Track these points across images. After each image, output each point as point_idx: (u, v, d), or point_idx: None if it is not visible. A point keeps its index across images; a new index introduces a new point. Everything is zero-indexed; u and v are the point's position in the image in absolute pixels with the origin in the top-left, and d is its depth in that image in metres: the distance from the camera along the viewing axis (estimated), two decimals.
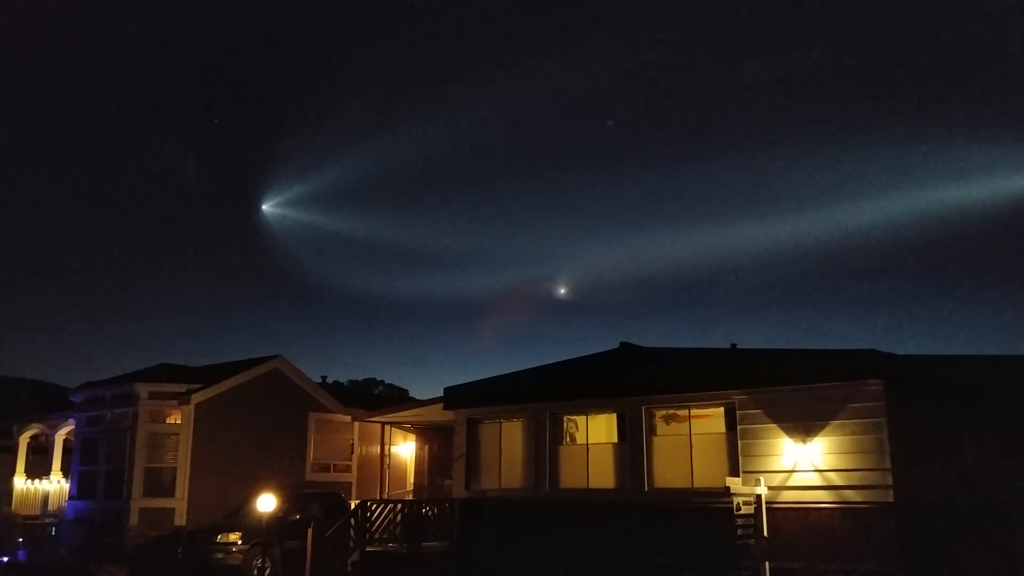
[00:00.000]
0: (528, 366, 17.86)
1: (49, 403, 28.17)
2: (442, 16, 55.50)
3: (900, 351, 14.72)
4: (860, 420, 13.34)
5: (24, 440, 27.51)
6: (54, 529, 23.57)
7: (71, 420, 24.42)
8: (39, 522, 24.78)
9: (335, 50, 61.83)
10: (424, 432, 24.17)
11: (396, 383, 47.69)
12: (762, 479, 13.56)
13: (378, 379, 47.15)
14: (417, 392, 44.20)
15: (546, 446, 16.54)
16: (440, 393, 18.54)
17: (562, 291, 56.49)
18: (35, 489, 26.35)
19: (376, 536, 16.71)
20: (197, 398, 21.73)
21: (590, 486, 15.90)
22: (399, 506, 17.28)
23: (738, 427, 14.41)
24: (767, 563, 13.12)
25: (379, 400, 33.53)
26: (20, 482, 26.90)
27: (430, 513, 17.24)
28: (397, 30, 56.26)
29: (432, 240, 56.56)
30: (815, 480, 13.60)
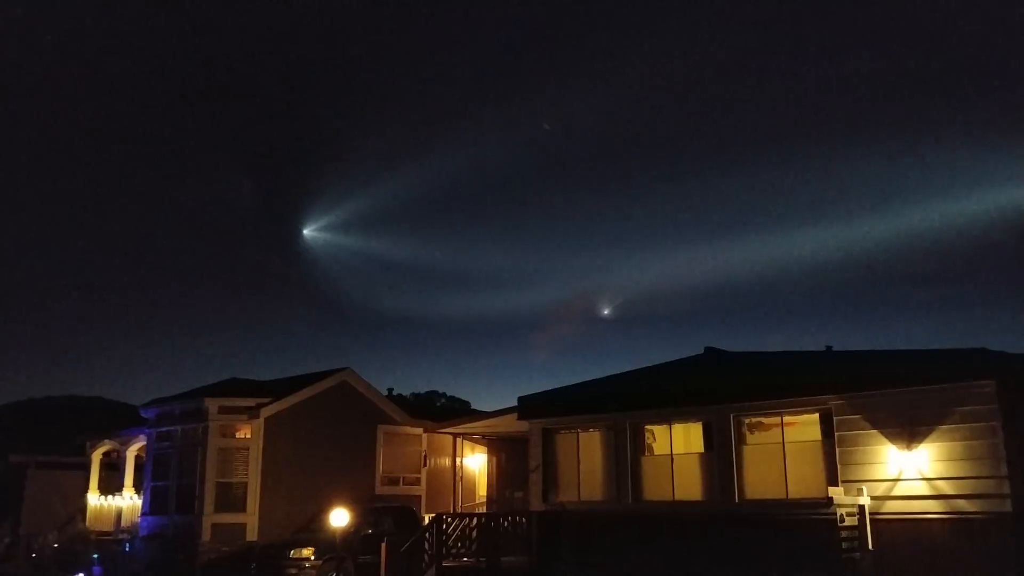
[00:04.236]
0: (584, 377, 17.28)
1: (120, 421, 28.50)
2: (477, 40, 55.64)
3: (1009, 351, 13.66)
4: (971, 424, 12.41)
5: (97, 457, 27.80)
6: (128, 545, 23.64)
7: (142, 436, 24.55)
8: (113, 538, 24.93)
9: (373, 78, 62.48)
10: (492, 443, 23.72)
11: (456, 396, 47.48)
12: (864, 489, 12.73)
13: (440, 392, 47.01)
14: (477, 404, 43.91)
15: (627, 457, 15.88)
16: (501, 404, 18.17)
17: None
18: (108, 505, 26.57)
19: (452, 551, 16.27)
20: (267, 412, 21.61)
21: (676, 498, 15.19)
22: (475, 520, 16.82)
23: (835, 434, 13.57)
24: None
25: (442, 412, 33.19)
26: (94, 498, 27.18)
27: (507, 527, 16.73)
28: (433, 55, 56.59)
29: (481, 260, 56.72)
30: (922, 489, 12.70)
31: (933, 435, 12.72)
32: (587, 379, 17.54)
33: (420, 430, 23.96)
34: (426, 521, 19.02)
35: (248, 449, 21.46)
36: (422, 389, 48.17)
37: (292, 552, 18.24)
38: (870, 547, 12.41)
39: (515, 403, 18.28)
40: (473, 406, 42.10)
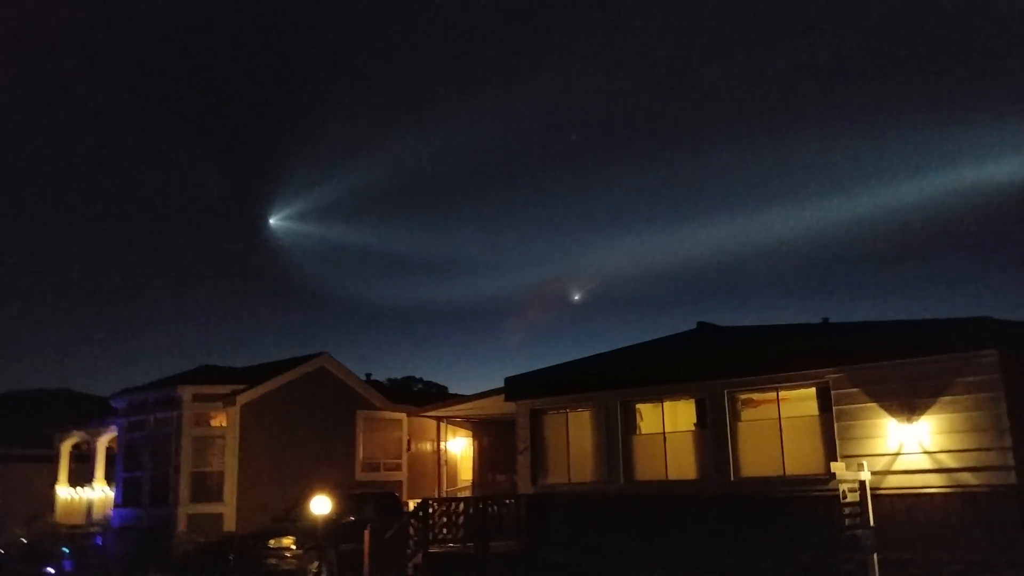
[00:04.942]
0: (565, 360, 16.69)
1: (89, 413, 27.60)
2: (445, 23, 54.63)
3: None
4: (973, 395, 12.09)
5: (66, 449, 26.98)
6: (100, 538, 22.91)
7: (113, 427, 23.79)
8: (84, 531, 24.15)
9: (340, 63, 61.31)
10: (475, 427, 23.22)
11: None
12: (865, 463, 12.38)
13: (416, 377, 46.24)
14: (454, 389, 43.26)
15: (618, 436, 15.41)
16: (477, 388, 17.60)
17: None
18: (79, 498, 25.77)
19: (439, 536, 15.76)
20: (242, 399, 20.99)
21: (669, 477, 14.76)
22: (462, 504, 16.31)
23: (833, 408, 13.20)
24: (875, 555, 11.93)
25: (420, 397, 32.57)
26: (64, 491, 26.35)
27: (496, 511, 16.24)
28: (400, 40, 55.55)
29: (452, 245, 56.05)
30: (924, 463, 12.37)
31: (934, 407, 12.38)
32: (596, 353, 16.97)
33: (401, 415, 23.45)
34: (409, 507, 18.52)
35: (224, 437, 20.85)
36: (398, 375, 47.49)
37: (272, 542, 17.68)
38: (871, 523, 12.06)
39: (495, 386, 17.79)
40: (450, 391, 41.47)
